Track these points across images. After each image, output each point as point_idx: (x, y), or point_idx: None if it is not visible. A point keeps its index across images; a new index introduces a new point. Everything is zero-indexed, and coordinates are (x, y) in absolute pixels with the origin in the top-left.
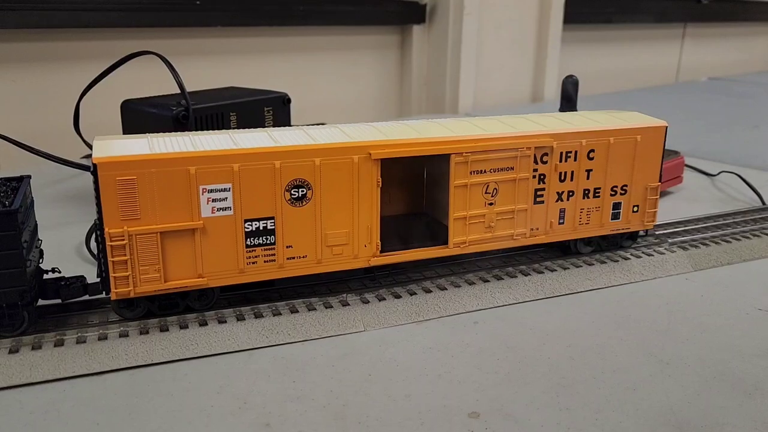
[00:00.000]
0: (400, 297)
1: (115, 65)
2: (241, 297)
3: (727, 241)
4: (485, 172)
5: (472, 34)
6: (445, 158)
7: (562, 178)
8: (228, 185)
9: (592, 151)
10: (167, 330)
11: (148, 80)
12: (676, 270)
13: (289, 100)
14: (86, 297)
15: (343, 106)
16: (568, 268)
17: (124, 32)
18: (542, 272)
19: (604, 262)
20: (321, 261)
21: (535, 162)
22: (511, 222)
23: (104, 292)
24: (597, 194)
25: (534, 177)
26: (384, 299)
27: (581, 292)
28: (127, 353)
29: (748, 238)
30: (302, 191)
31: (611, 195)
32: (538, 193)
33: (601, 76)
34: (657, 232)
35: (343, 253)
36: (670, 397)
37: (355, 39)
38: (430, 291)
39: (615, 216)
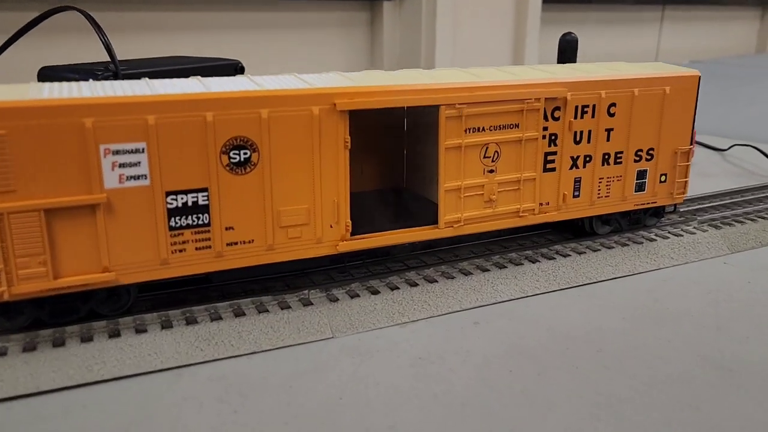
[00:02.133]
0: (378, 293)
1: (30, 25)
2: (168, 297)
3: (764, 218)
4: (484, 130)
5: (447, 10)
6: (433, 111)
7: (578, 139)
8: (141, 145)
9: (613, 105)
10: (63, 345)
11: (73, 49)
12: (711, 252)
13: (242, 69)
14: None
15: None
16: (584, 252)
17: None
18: (553, 258)
19: (626, 245)
20: (273, 247)
21: (545, 118)
22: (516, 195)
23: None
24: (618, 160)
25: (544, 137)
26: (357, 296)
27: (602, 281)
28: (2, 379)
29: None
30: (245, 154)
31: (635, 161)
32: (549, 158)
33: (580, 59)
34: (681, 209)
35: (302, 237)
36: (747, 417)
37: (319, 16)
38: (416, 284)
39: (639, 187)
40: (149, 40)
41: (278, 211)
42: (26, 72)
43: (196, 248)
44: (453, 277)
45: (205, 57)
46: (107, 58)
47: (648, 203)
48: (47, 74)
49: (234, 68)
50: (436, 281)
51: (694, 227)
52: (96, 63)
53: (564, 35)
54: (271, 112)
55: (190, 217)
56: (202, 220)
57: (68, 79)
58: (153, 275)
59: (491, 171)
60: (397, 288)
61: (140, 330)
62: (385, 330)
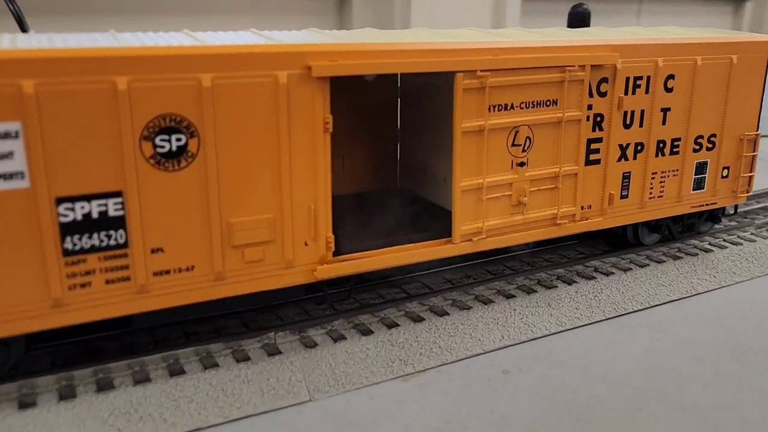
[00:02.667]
0: (371, 332)
1: None
2: (74, 348)
3: None
4: (513, 108)
5: (423, 3)
6: (443, 82)
7: (628, 121)
8: (13, 126)
9: (671, 77)
10: None
11: None
12: None
13: None
14: None
15: None
16: (629, 269)
17: None
18: (593, 278)
19: (678, 257)
20: (223, 276)
21: (590, 94)
22: (553, 195)
23: None
24: (675, 149)
25: (588, 119)
26: (342, 338)
27: (657, 305)
28: None
29: None
30: (178, 140)
31: (694, 151)
32: (593, 146)
33: None
34: (738, 210)
35: (266, 260)
36: None
37: (284, 1)
38: (421, 319)
39: (698, 184)
40: (90, 22)
41: (229, 223)
42: None
43: (107, 281)
44: (468, 308)
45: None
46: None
47: (707, 204)
48: None
49: None
50: (447, 314)
51: (752, 233)
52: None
53: (574, 7)
54: (216, 79)
55: (96, 235)
56: (116, 240)
57: None
58: (39, 323)
59: (522, 164)
60: (396, 325)
61: (27, 403)
62: (383, 386)
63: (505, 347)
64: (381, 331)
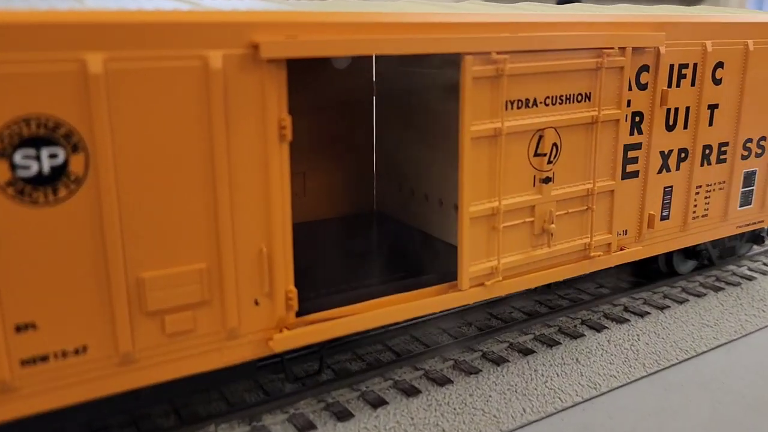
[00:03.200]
0: (351, 416)
1: None
2: None
3: None
4: (535, 104)
5: None
6: (442, 69)
7: (671, 121)
8: None
9: (720, 66)
10: None
11: None
12: None
13: None
14: None
15: None
16: (667, 306)
17: None
18: (625, 320)
19: (719, 288)
20: (133, 359)
21: (628, 85)
22: (584, 220)
23: None
24: (723, 156)
25: (626, 118)
26: (313, 428)
27: (704, 352)
28: None
29: None
30: (53, 156)
31: (743, 158)
32: (630, 154)
33: None
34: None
35: (197, 331)
36: None
37: None
38: (416, 392)
39: (745, 199)
40: None
41: (140, 280)
42: None
43: None
44: (476, 371)
45: None
46: None
47: (755, 223)
48: None
49: None
50: (450, 381)
51: None
52: None
53: None
54: (112, 62)
55: None
56: None
57: None
58: None
59: (547, 180)
60: (384, 402)
61: None
62: None
63: (529, 424)
64: (364, 413)
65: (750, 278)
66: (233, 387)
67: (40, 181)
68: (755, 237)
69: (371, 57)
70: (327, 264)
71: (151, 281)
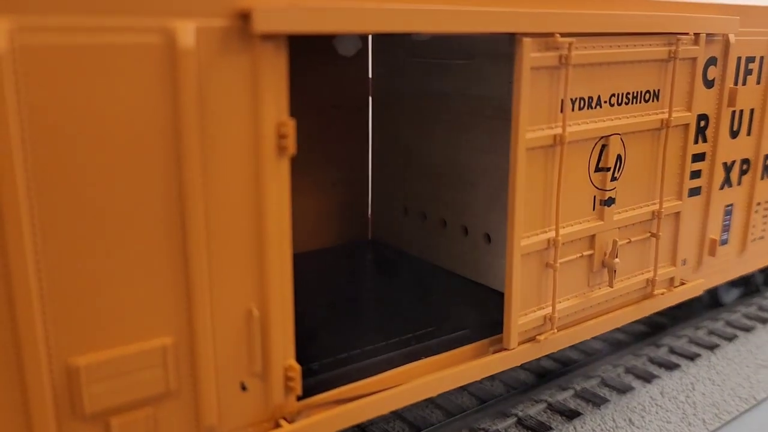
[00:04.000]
0: None
1: None
2: None
3: None
4: (599, 104)
5: None
6: (490, 59)
7: (735, 126)
8: None
9: None
10: None
11: None
12: None
13: None
14: None
15: None
16: (717, 345)
17: None
18: (675, 365)
19: (766, 320)
20: None
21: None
22: (646, 249)
23: None
24: None
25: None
26: None
27: (766, 399)
28: None
29: None
30: None
31: None
32: (694, 167)
33: None
34: None
35: (158, 429)
36: None
37: None
38: None
39: None
40: None
41: (71, 369)
42: None
43: None
44: None
45: None
46: None
47: None
48: None
49: None
50: None
51: None
52: None
53: None
54: (23, 34)
55: None
56: None
57: None
58: None
59: (609, 201)
60: None
61: None
62: None
63: None
64: None
65: None
66: None
67: None
68: None
69: (366, 48)
70: (327, 318)
71: (88, 370)
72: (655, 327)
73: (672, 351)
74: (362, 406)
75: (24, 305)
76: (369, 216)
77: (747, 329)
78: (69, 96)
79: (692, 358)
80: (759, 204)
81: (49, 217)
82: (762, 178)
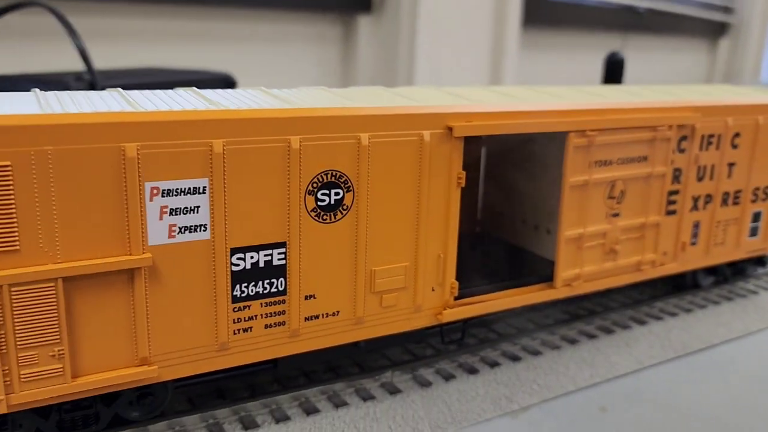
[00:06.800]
0: (477, 371)
1: None
2: (210, 388)
3: None
4: (611, 164)
5: (427, 27)
6: (552, 141)
7: (701, 174)
8: (202, 182)
9: (737, 135)
10: None
11: (32, 57)
12: None
13: (234, 83)
14: None
15: None
16: (691, 309)
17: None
18: (660, 318)
19: (730, 299)
20: (362, 321)
21: (672, 150)
22: (639, 243)
23: None
24: (737, 200)
25: (670, 173)
26: (452, 377)
27: (718, 344)
28: None
29: None
30: (338, 194)
31: (752, 201)
32: (671, 198)
33: (550, 82)
34: None
35: (398, 305)
36: None
37: (289, 29)
38: (518, 358)
39: (753, 232)
40: (103, 47)
41: (373, 271)
42: None
43: (266, 326)
44: (558, 347)
45: (190, 69)
46: (76, 67)
47: (759, 250)
48: (3, 85)
49: (225, 82)
50: (540, 353)
51: None
52: (63, 73)
53: (611, 54)
54: (371, 138)
55: (261, 283)
56: (277, 287)
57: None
58: (205, 366)
59: (615, 215)
60: (497, 364)
61: None
62: (495, 422)
63: (595, 384)
64: (485, 371)
65: (754, 292)
66: (394, 352)
67: (329, 207)
68: (761, 260)
69: None
70: (466, 267)
71: (379, 272)
72: (653, 296)
73: (661, 310)
74: (484, 305)
75: (362, 248)
76: (478, 217)
77: (716, 303)
78: (386, 160)
79: (673, 315)
80: (719, 222)
81: (372, 212)
82: (722, 206)
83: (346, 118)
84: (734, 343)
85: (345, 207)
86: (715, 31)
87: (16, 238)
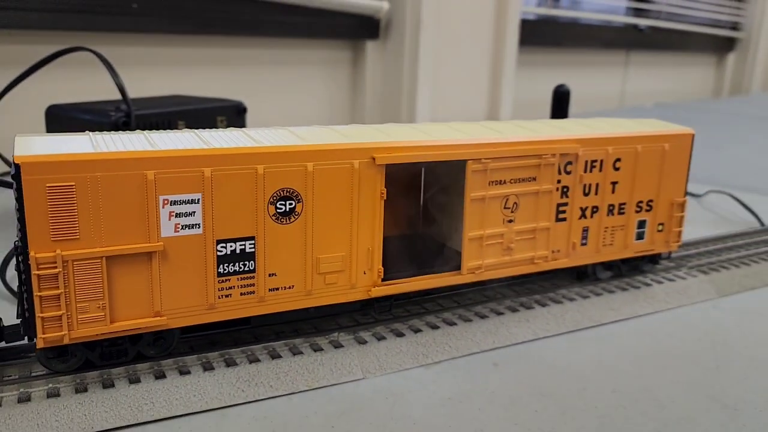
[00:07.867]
0: (403, 335)
1: (40, 63)
2: (206, 340)
3: (746, 264)
4: (505, 183)
5: (429, 51)
6: (459, 166)
7: (587, 191)
8: (197, 195)
9: (618, 160)
10: (112, 386)
11: (78, 86)
12: (701, 296)
13: (244, 110)
14: (1, 344)
15: (290, 123)
16: (588, 296)
17: (49, 36)
18: (560, 302)
19: (625, 289)
20: (311, 293)
21: (559, 172)
22: (532, 243)
23: (27, 338)
24: (622, 211)
25: (557, 190)
26: (383, 338)
27: (606, 324)
28: (59, 419)
29: (766, 260)
30: (290, 204)
31: (636, 212)
32: (561, 208)
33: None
34: (672, 255)
35: (338, 283)
36: None
37: (304, 53)
38: (437, 327)
39: (639, 236)
40: (131, 74)
41: (317, 258)
42: (33, 108)
43: (241, 293)
44: (470, 320)
45: (207, 97)
46: (112, 96)
47: (647, 251)
48: (56, 113)
49: (237, 109)
50: (455, 324)
51: (685, 272)
52: (105, 102)
53: (557, 87)
54: (316, 166)
55: (237, 264)
56: (248, 267)
57: (79, 120)
58: (200, 319)
59: (510, 221)
60: (420, 330)
61: (184, 372)
62: (412, 371)
63: (495, 348)
64: (409, 335)
65: (648, 285)
66: (344, 320)
67: (284, 214)
68: (653, 259)
69: None
70: (397, 257)
71: (323, 259)
72: (560, 286)
73: (563, 297)
74: (405, 285)
75: (309, 242)
76: (420, 222)
77: (611, 292)
78: (326, 182)
79: (571, 300)
80: (607, 228)
81: (316, 218)
82: (608, 216)
83: (297, 152)
84: (621, 324)
85: (297, 213)
86: (722, 46)
87: (77, 231)
